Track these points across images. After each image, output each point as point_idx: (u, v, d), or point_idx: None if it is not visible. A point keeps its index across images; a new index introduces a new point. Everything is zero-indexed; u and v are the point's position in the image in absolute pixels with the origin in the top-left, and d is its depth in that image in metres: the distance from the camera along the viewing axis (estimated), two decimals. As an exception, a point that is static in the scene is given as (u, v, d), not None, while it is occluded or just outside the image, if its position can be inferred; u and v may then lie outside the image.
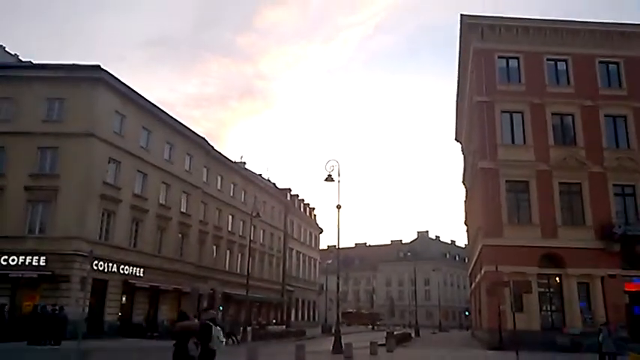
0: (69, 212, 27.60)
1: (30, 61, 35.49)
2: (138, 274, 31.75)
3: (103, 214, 29.67)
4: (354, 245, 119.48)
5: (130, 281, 30.93)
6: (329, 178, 23.71)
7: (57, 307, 23.49)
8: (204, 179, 41.85)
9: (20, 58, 37.39)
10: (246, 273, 37.67)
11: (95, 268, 26.92)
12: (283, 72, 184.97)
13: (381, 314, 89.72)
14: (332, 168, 23.88)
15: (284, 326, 44.50)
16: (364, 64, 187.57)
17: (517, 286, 20.48)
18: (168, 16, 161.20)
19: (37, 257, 26.73)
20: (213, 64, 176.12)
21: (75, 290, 25.91)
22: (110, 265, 29.23)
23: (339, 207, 24.39)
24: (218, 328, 10.01)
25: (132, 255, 31.61)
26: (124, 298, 30.87)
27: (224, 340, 10.27)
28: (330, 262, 70.97)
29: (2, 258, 26.59)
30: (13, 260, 26.62)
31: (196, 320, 10.09)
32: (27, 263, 26.61)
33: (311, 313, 69.61)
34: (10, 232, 27.26)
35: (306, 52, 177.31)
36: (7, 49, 36.63)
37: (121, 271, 30.33)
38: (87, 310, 22.01)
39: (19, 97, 29.42)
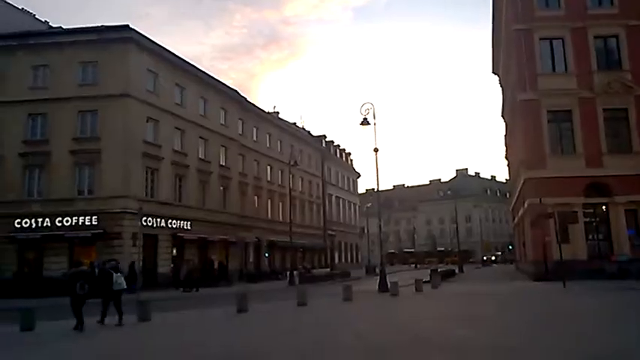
0: (114, 172, 28.56)
1: (60, 27, 35.83)
2: (186, 227, 32.94)
3: (146, 172, 30.55)
4: (392, 187, 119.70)
5: (179, 234, 32.17)
6: (365, 122, 23.42)
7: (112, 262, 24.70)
8: (240, 132, 42.20)
9: (51, 24, 37.78)
10: (288, 220, 38.50)
11: (145, 224, 28.02)
12: (308, 15, 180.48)
13: (471, 251, 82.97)
14: (367, 111, 23.56)
15: (328, 269, 45.58)
16: (392, 0, 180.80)
17: (562, 217, 20.30)
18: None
19: (88, 217, 28.05)
20: (236, 13, 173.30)
21: (127, 246, 27.16)
22: (158, 220, 30.32)
23: (376, 150, 24.22)
24: (119, 274, 13.68)
25: (178, 209, 32.67)
26: (174, 251, 32.21)
27: (123, 283, 13.61)
28: (369, 205, 71.54)
29: (57, 219, 28.02)
30: (67, 221, 28.01)
31: (83, 267, 14.12)
32: (80, 223, 27.96)
33: (354, 256, 70.98)
34: (61, 195, 28.55)
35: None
36: (37, 16, 37.00)
37: (170, 226, 31.50)
38: (141, 264, 23.07)
39: (54, 64, 30.02)
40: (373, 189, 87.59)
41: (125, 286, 13.90)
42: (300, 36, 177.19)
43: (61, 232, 27.70)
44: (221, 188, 38.48)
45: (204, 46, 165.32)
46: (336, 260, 61.58)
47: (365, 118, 23.41)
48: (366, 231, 63.90)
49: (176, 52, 34.30)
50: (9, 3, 33.87)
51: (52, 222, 28.01)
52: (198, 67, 36.90)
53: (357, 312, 15.51)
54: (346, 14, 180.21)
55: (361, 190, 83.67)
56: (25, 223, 28.13)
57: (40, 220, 28.09)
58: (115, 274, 13.58)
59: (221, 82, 39.93)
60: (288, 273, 34.43)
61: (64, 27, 34.52)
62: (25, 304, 15.79)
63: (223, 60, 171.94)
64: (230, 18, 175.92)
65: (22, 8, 35.64)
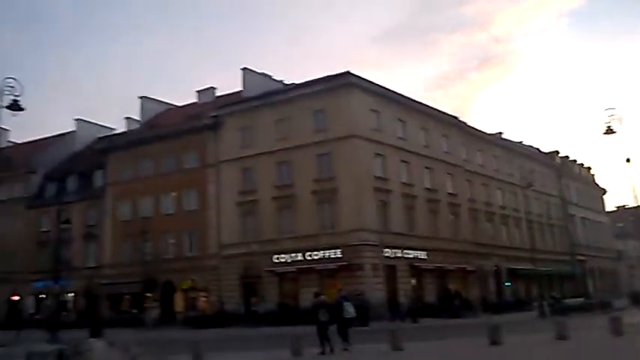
0: (350, 207, 30.60)
1: (293, 83, 40.30)
2: (421, 257, 33.18)
3: (378, 205, 31.88)
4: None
5: (416, 264, 32.56)
6: (609, 131, 20.70)
7: (359, 293, 26.03)
8: (464, 157, 41.29)
9: (284, 81, 42.76)
10: (527, 246, 35.80)
11: (382, 255, 29.13)
12: (519, 28, 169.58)
13: None
14: (611, 118, 20.79)
15: (581, 298, 40.53)
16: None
17: None
18: (388, 11, 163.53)
19: (332, 250, 30.35)
20: (444, 42, 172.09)
21: (368, 277, 28.44)
22: (394, 251, 31.15)
23: (628, 160, 21.14)
24: (349, 303, 14.91)
25: (412, 240, 33.12)
26: (413, 281, 32.58)
27: (352, 312, 14.75)
28: (621, 224, 62.37)
29: (307, 254, 31.05)
30: (315, 255, 30.82)
31: (323, 297, 15.69)
32: (326, 257, 30.45)
33: (611, 283, 61.92)
34: (307, 231, 31.61)
35: (539, 0, 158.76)
36: (273, 77, 42.30)
37: (406, 256, 32.09)
38: (384, 294, 23.83)
39: (292, 116, 33.80)
40: (624, 206, 75.97)
41: (354, 315, 15.09)
42: (513, 51, 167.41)
43: (311, 265, 30.57)
44: (451, 216, 37.90)
45: (416, 79, 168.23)
46: (590, 288, 54.54)
47: (609, 127, 20.68)
48: (622, 254, 55.60)
49: (392, 88, 35.64)
50: (252, 70, 39.62)
51: (303, 256, 31.11)
52: (417, 100, 37.58)
53: None
54: (561, 21, 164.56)
55: (610, 207, 73.38)
56: (282, 258, 31.85)
57: (292, 255, 31.49)
58: (344, 302, 14.77)
59: (439, 111, 39.91)
60: (536, 304, 31.68)
61: (295, 82, 38.76)
62: (284, 331, 17.64)
63: (436, 88, 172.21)
64: (438, 47, 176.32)
65: (262, 72, 41.26)
